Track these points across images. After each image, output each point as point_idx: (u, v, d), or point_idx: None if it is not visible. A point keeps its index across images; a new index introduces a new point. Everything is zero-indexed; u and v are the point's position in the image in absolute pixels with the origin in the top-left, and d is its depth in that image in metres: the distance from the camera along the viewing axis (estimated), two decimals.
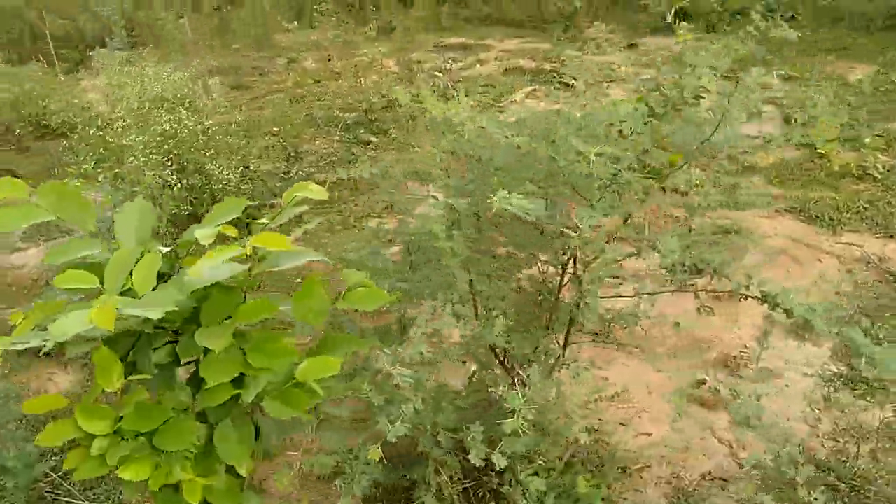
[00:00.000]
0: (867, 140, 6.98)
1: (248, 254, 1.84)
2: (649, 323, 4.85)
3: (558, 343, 3.33)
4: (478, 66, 11.91)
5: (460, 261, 2.63)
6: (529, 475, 2.53)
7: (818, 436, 3.91)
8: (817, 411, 4.06)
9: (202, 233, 1.86)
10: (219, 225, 1.91)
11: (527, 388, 2.43)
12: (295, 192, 2.12)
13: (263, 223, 2.01)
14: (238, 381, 1.92)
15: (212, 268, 1.62)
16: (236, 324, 1.85)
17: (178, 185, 5.60)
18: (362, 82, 9.68)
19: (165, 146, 5.73)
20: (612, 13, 14.51)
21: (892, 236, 5.65)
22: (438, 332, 2.51)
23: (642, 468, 3.83)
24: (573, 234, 2.17)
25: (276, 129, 8.63)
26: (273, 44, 14.81)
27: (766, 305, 2.57)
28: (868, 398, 4.10)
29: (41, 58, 13.67)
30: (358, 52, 13.12)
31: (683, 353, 4.67)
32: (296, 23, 13.54)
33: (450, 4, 16.23)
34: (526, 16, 14.57)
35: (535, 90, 10.21)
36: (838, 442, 3.84)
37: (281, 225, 2.08)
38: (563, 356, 3.36)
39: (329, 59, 12.61)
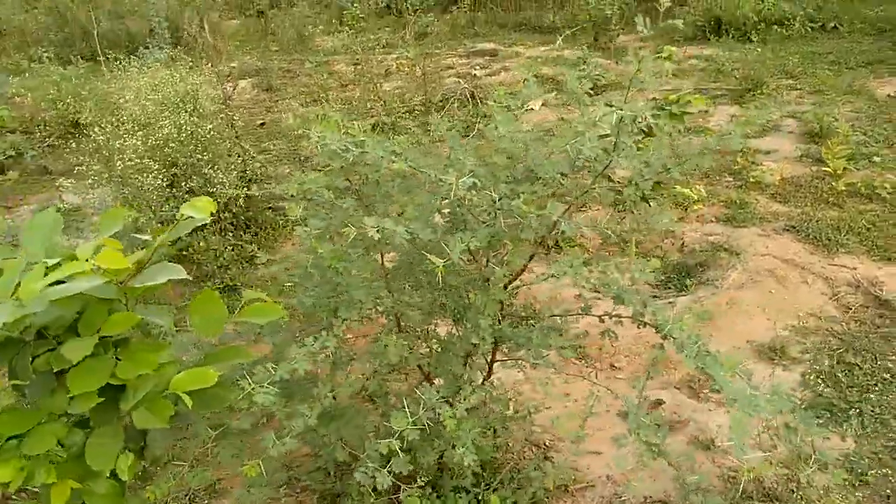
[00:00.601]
0: (877, 159, 6.76)
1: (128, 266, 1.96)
2: (626, 339, 4.87)
3: (486, 360, 3.37)
4: (503, 72, 11.94)
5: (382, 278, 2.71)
6: (409, 496, 2.59)
7: (771, 463, 3.84)
8: (774, 438, 3.98)
9: (82, 249, 1.99)
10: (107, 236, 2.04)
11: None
12: (185, 210, 2.23)
13: (147, 239, 2.13)
14: (120, 389, 2.05)
15: (51, 286, 1.75)
16: (103, 334, 1.97)
17: (173, 188, 5.82)
18: (377, 87, 9.80)
19: (167, 149, 5.96)
20: (651, 21, 14.33)
21: (889, 259, 5.47)
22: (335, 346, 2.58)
23: (585, 487, 3.84)
24: (437, 261, 2.21)
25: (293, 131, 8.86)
26: (310, 47, 15.11)
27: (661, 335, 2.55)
28: (830, 427, 4.00)
29: (89, 57, 14.31)
30: (389, 56, 13.34)
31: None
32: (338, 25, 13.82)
33: (485, 11, 16.27)
34: (560, 23, 14.50)
35: (555, 97, 10.19)
36: (789, 469, 3.77)
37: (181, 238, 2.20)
38: (490, 374, 3.40)
39: (356, 64, 12.83)
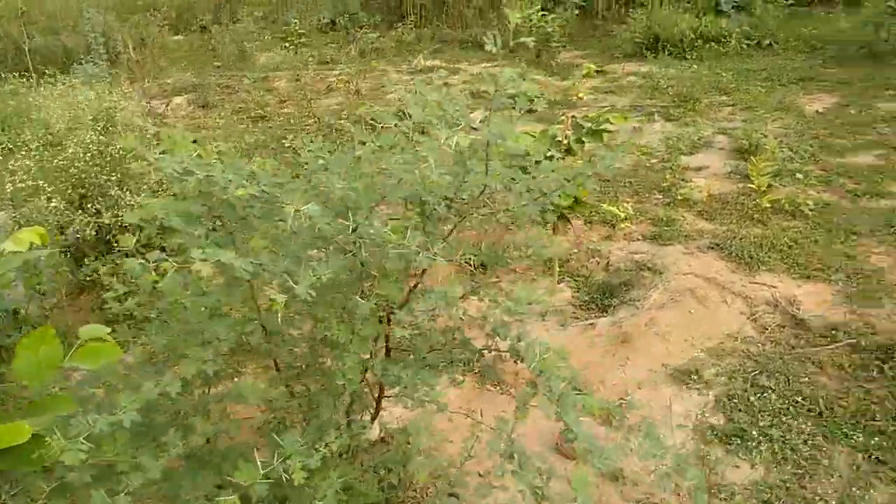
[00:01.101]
0: (799, 176, 6.79)
1: None
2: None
3: (372, 396, 3.18)
4: (444, 89, 11.83)
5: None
6: None
7: (679, 494, 3.72)
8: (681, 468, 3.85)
9: None
10: None
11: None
12: (7, 244, 2.01)
13: None
14: None
15: None
16: None
17: (82, 210, 5.54)
18: (311, 104, 9.61)
19: (72, 169, 5.68)
20: (592, 38, 14.45)
21: (808, 277, 5.45)
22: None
23: None
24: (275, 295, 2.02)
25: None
26: (251, 63, 14.85)
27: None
28: (740, 455, 3.90)
29: (23, 73, 13.79)
30: (332, 73, 13.15)
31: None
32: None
33: (431, 28, 16.23)
34: (504, 40, 14.48)
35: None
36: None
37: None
38: (377, 413, 3.21)
39: (297, 80, 12.63)
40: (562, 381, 2.27)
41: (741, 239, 6.05)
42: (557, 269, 5.82)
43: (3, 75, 13.00)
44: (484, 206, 2.65)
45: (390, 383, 2.69)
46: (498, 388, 4.63)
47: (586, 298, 5.71)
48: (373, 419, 3.32)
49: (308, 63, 14.02)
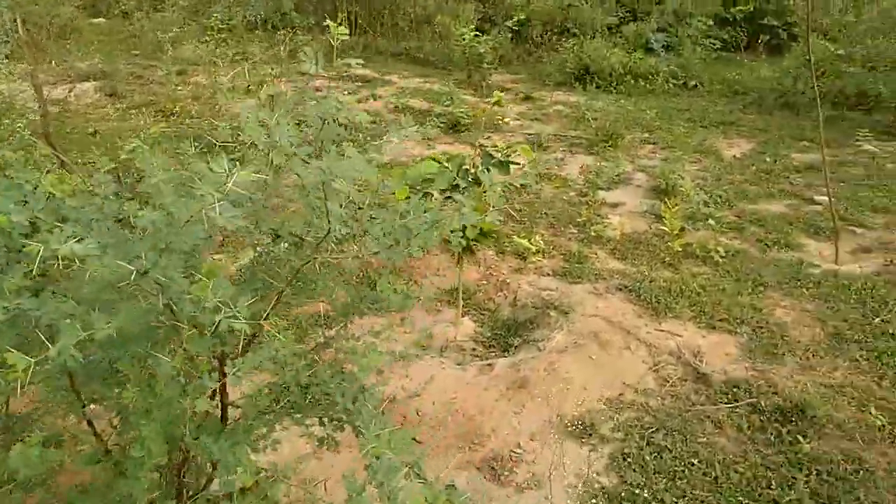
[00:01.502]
0: (711, 222, 6.73)
1: None
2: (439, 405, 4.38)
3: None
4: (371, 100, 11.46)
5: None
6: None
7: None
8: None
9: None
10: None
11: None
12: None
13: None
14: None
15: None
16: None
17: None
18: (215, 106, 9.05)
19: None
20: (524, 63, 14.39)
21: (713, 327, 5.32)
22: None
23: None
24: None
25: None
26: (171, 55, 14.06)
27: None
28: None
29: None
30: (258, 72, 12.54)
31: (453, 446, 4.14)
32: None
33: (364, 36, 15.85)
34: (436, 57, 14.28)
35: (416, 130, 9.77)
36: None
37: None
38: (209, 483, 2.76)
39: (213, 78, 11.98)
40: (402, 469, 1.90)
41: (651, 282, 5.90)
42: (462, 301, 5.50)
43: None
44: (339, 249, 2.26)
45: (204, 456, 2.24)
46: None
47: (489, 335, 5.42)
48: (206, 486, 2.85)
49: (234, 59, 13.41)
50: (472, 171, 4.93)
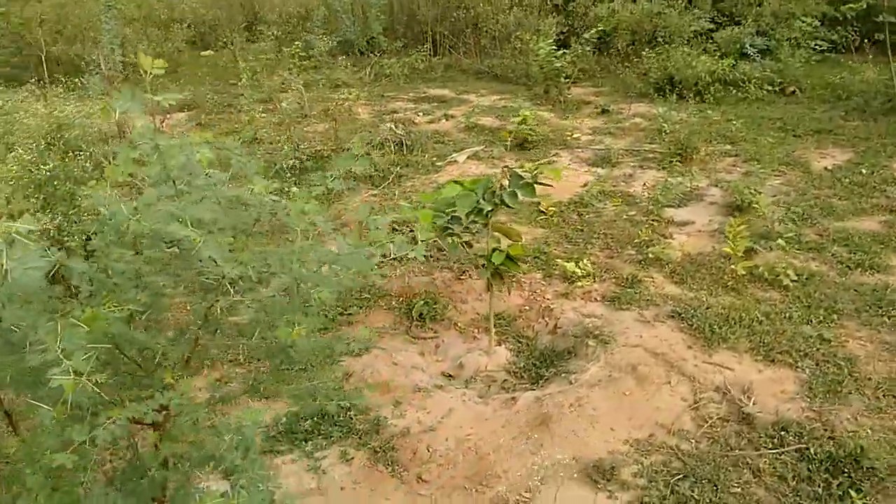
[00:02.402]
0: (781, 241, 6.13)
1: None
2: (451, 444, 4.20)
3: None
4: (444, 120, 11.44)
5: None
6: None
7: None
8: None
9: None
10: None
11: None
12: None
13: None
14: None
15: None
16: None
17: None
18: (290, 129, 9.29)
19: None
20: (608, 75, 13.92)
21: (772, 361, 4.81)
22: None
23: None
24: None
25: None
26: (262, 84, 14.68)
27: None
28: None
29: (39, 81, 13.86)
30: (340, 96, 12.83)
31: (459, 487, 3.94)
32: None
33: (448, 56, 15.93)
34: (515, 73, 14.10)
35: (483, 149, 9.64)
36: None
37: None
38: None
39: (299, 104, 12.38)
40: None
41: (707, 308, 5.43)
42: (493, 329, 5.29)
43: (22, 82, 13.10)
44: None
45: None
46: (389, 468, 4.10)
47: (523, 364, 5.18)
48: None
49: (319, 85, 13.88)
50: (499, 193, 4.73)
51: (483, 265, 4.97)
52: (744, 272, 5.83)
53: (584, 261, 6.10)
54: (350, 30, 17.32)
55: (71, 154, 6.73)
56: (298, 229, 2.00)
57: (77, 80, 14.46)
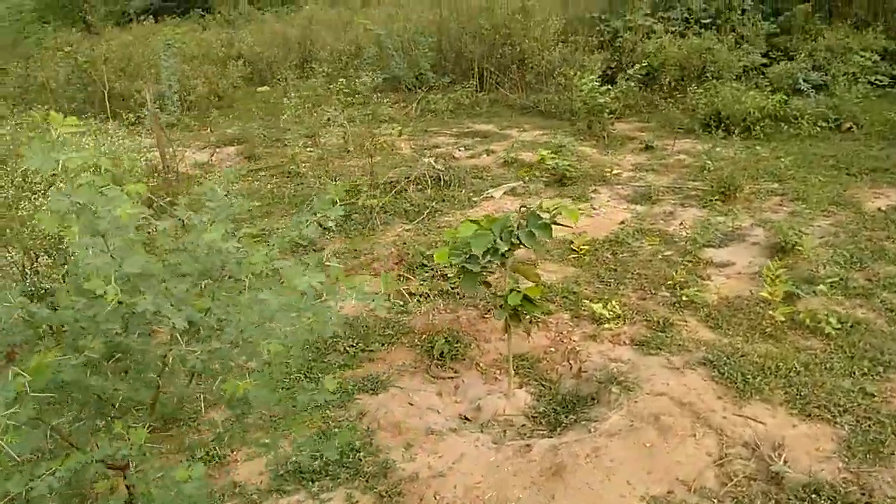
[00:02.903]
0: (823, 286, 5.80)
1: None
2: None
3: None
4: (485, 155, 11.41)
5: None
6: None
7: None
8: None
9: None
10: None
11: None
12: None
13: None
14: None
15: None
16: None
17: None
18: (328, 164, 9.38)
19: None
20: (654, 111, 13.69)
21: (809, 415, 4.51)
22: None
23: None
24: None
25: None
26: (308, 119, 14.99)
27: None
28: None
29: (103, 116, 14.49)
30: (380, 130, 12.95)
31: None
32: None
33: (494, 92, 15.98)
34: (559, 109, 14.01)
35: (521, 185, 9.54)
36: None
37: None
38: None
39: (343, 139, 12.58)
40: None
41: (742, 356, 5.17)
42: (513, 371, 5.13)
43: (87, 117, 13.73)
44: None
45: None
46: None
47: (542, 409, 5.00)
48: None
49: (366, 120, 14.11)
50: (516, 233, 4.61)
51: (501, 306, 4.84)
52: (783, 318, 5.53)
53: (613, 302, 5.90)
54: (399, 66, 17.58)
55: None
56: (245, 280, 1.94)
57: (133, 115, 15.20)
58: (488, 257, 4.56)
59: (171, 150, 10.28)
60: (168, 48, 15.91)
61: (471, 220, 4.62)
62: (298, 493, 4.13)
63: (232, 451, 4.55)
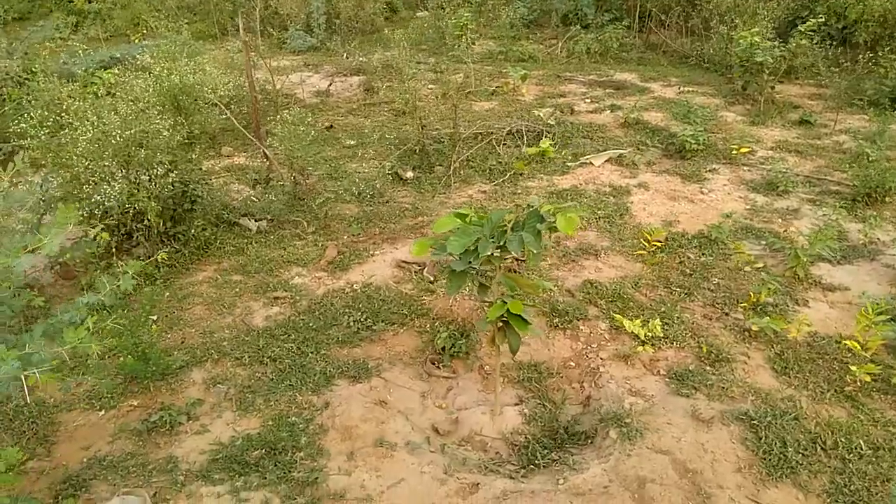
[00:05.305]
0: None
1: None
2: None
3: None
4: (608, 111, 10.19)
5: None
6: None
7: None
8: None
9: None
10: None
11: None
12: None
13: None
14: None
15: None
16: None
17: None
18: (417, 110, 8.76)
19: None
20: (839, 75, 11.44)
21: None
22: None
23: None
24: None
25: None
26: (447, 52, 14.33)
27: None
28: None
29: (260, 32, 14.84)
30: (516, 74, 12.06)
31: None
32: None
33: (654, 35, 14.26)
34: (715, 63, 12.21)
35: (630, 152, 8.36)
36: None
37: None
38: None
39: (466, 77, 11.86)
40: None
41: (794, 419, 4.10)
42: (500, 388, 4.46)
43: (236, 32, 14.13)
44: None
45: None
46: None
47: (524, 439, 4.31)
48: None
49: (505, 58, 13.36)
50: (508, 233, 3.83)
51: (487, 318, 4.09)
52: (869, 379, 4.31)
53: (654, 321, 4.93)
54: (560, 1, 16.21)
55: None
56: None
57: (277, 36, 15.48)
58: (472, 257, 3.85)
59: (270, 75, 10.22)
60: None
61: (456, 213, 3.90)
62: (223, 485, 3.87)
63: (188, 420, 4.41)
